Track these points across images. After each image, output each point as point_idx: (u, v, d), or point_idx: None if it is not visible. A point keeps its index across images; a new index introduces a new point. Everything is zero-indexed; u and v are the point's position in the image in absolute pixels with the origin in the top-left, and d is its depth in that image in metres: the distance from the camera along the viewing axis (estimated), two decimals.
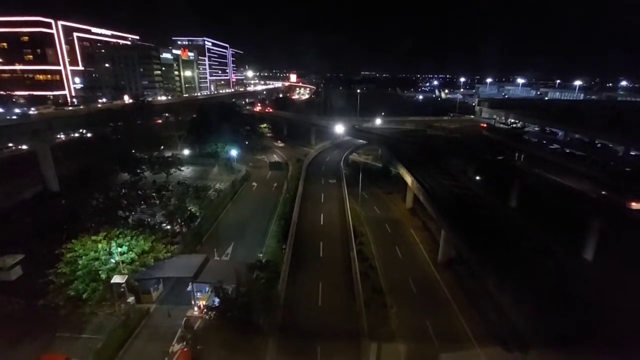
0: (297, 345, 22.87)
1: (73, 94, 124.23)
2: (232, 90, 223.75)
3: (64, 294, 25.95)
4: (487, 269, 27.68)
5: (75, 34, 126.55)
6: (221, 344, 23.77)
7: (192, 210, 40.92)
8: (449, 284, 33.17)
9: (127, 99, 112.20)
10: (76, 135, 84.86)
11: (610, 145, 72.47)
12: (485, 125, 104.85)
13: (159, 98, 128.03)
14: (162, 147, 72.99)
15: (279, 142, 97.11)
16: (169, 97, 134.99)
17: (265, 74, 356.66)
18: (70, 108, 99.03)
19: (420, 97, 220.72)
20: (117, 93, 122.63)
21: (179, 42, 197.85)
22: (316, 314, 26.01)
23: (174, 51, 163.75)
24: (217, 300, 25.50)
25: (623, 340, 19.41)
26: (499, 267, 26.55)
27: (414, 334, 26.69)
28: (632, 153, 66.47)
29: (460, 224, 33.59)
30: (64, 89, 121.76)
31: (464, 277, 33.19)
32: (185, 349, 23.31)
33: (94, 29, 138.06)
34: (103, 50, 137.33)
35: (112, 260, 27.24)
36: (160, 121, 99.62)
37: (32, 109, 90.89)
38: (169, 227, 38.10)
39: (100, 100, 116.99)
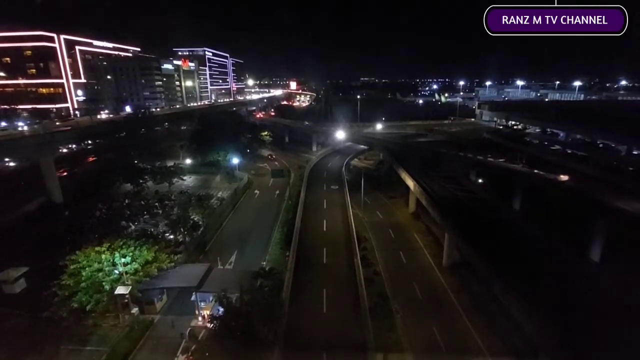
0: (302, 354, 22.65)
1: (76, 106, 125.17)
2: (233, 99, 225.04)
3: (67, 306, 25.89)
4: (492, 272, 27.43)
5: (77, 47, 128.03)
6: (226, 354, 23.54)
7: (195, 219, 40.93)
8: (455, 288, 32.84)
9: (128, 109, 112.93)
10: (79, 147, 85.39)
11: (613, 145, 72.22)
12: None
13: (158, 109, 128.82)
14: (164, 157, 73.37)
15: (277, 151, 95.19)
16: (168, 108, 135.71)
17: (266, 82, 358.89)
18: (72, 120, 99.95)
19: (420, 101, 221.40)
20: (119, 104, 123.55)
21: (180, 53, 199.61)
22: (321, 321, 25.78)
23: (175, 62, 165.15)
24: (221, 309, 25.34)
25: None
26: (504, 270, 26.31)
27: (421, 341, 26.34)
28: (634, 152, 66.20)
29: (464, 227, 33.40)
30: (66, 102, 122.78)
31: (469, 281, 32.85)
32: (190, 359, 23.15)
33: (95, 42, 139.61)
34: (105, 63, 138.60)
35: (116, 271, 27.21)
36: (161, 131, 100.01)
37: (36, 122, 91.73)
38: (172, 236, 38.12)
39: (102, 112, 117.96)
